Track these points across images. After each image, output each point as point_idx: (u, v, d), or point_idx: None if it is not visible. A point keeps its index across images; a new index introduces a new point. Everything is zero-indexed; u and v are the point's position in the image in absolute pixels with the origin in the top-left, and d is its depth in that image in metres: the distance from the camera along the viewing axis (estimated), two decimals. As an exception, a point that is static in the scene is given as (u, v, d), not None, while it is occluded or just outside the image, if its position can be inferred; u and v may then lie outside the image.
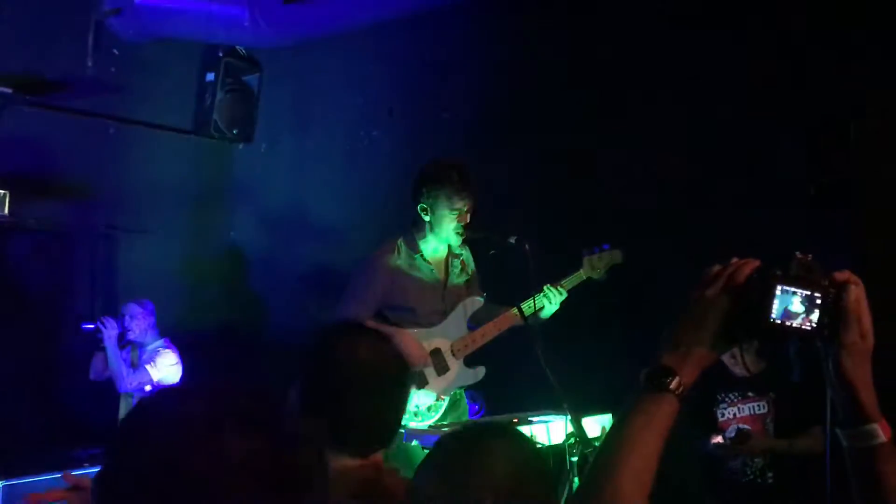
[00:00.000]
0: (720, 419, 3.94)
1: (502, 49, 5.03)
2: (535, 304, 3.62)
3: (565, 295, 3.78)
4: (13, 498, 3.67)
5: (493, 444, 1.41)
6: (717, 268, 1.17)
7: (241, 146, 6.05)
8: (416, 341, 3.66)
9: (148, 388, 4.74)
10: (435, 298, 3.78)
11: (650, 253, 4.18)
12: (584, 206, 4.58)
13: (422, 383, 3.66)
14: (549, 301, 3.74)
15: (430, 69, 5.41)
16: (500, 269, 3.97)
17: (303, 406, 1.74)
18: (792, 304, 1.13)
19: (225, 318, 5.88)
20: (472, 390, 4.39)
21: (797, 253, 1.16)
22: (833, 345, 1.16)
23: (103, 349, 4.84)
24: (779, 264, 1.15)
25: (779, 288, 1.13)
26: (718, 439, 3.87)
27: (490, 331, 3.75)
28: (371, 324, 3.66)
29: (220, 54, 5.67)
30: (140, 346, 4.94)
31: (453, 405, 3.81)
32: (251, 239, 6.16)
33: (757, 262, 1.16)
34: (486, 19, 4.98)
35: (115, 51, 5.42)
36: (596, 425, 3.16)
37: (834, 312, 1.14)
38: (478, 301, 3.84)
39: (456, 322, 3.78)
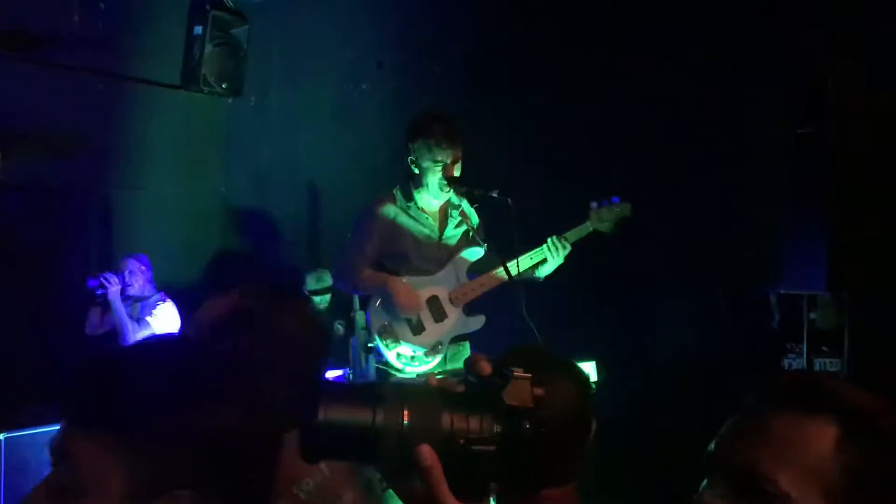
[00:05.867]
0: (786, 369, 3.63)
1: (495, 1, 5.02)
2: (518, 265, 3.62)
3: (569, 248, 3.75)
4: (14, 449, 3.78)
5: None
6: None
7: (230, 100, 6.04)
8: (408, 287, 3.72)
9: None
10: (431, 248, 3.84)
11: (634, 205, 4.23)
12: (584, 158, 4.61)
13: (419, 329, 3.74)
14: (553, 254, 3.73)
15: (420, 21, 5.38)
16: (492, 224, 4.01)
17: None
18: None
19: (217, 272, 5.94)
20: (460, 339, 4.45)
21: None
22: None
23: (99, 304, 4.91)
24: None
25: None
26: None
27: (489, 281, 3.79)
28: (367, 273, 3.75)
29: (208, 7, 5.62)
30: (140, 301, 5.01)
31: (455, 354, 3.86)
32: (242, 193, 6.18)
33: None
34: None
35: (102, 5, 5.38)
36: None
37: None
38: (478, 251, 3.87)
39: (454, 271, 3.83)
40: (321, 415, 0.85)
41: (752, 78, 4.02)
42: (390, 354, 3.73)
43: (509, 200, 3.53)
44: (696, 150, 4.25)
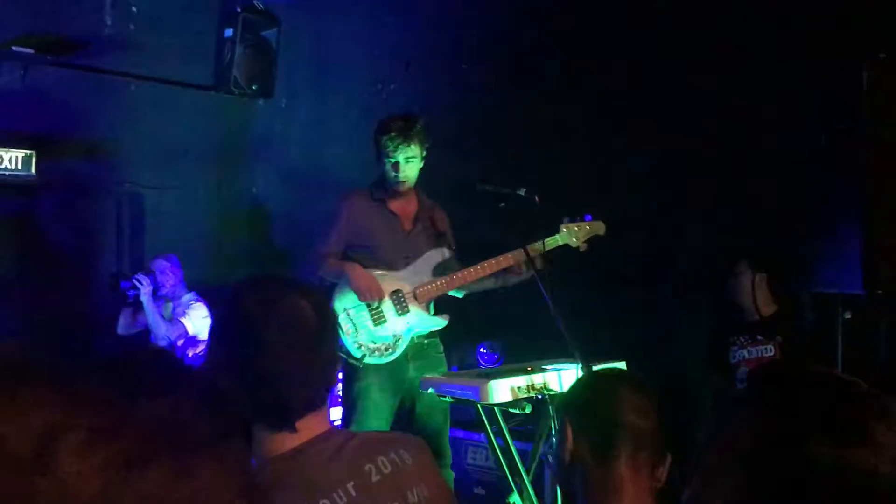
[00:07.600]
0: (731, 361, 4.07)
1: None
2: (528, 255, 3.59)
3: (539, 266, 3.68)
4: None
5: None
6: None
7: (260, 102, 6.08)
8: (367, 273, 3.73)
9: (181, 342, 4.86)
10: (397, 244, 3.85)
11: (659, 203, 4.17)
12: (611, 154, 4.56)
13: (379, 320, 3.73)
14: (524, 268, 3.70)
15: (448, 20, 5.36)
16: (516, 221, 3.98)
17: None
18: None
19: (248, 272, 5.98)
20: (491, 340, 4.42)
21: None
22: None
23: (131, 304, 4.95)
24: None
25: None
26: None
27: (453, 281, 3.77)
28: (330, 261, 3.77)
29: (238, 9, 5.68)
30: (172, 301, 5.04)
31: (419, 352, 3.85)
32: (273, 194, 6.21)
33: None
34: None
35: (134, 8, 5.44)
36: (607, 374, 3.19)
37: None
38: (444, 252, 3.87)
39: (420, 269, 3.82)
40: None
41: (784, 73, 3.94)
42: (349, 343, 3.72)
43: (536, 198, 3.52)
44: (726, 147, 4.19)
